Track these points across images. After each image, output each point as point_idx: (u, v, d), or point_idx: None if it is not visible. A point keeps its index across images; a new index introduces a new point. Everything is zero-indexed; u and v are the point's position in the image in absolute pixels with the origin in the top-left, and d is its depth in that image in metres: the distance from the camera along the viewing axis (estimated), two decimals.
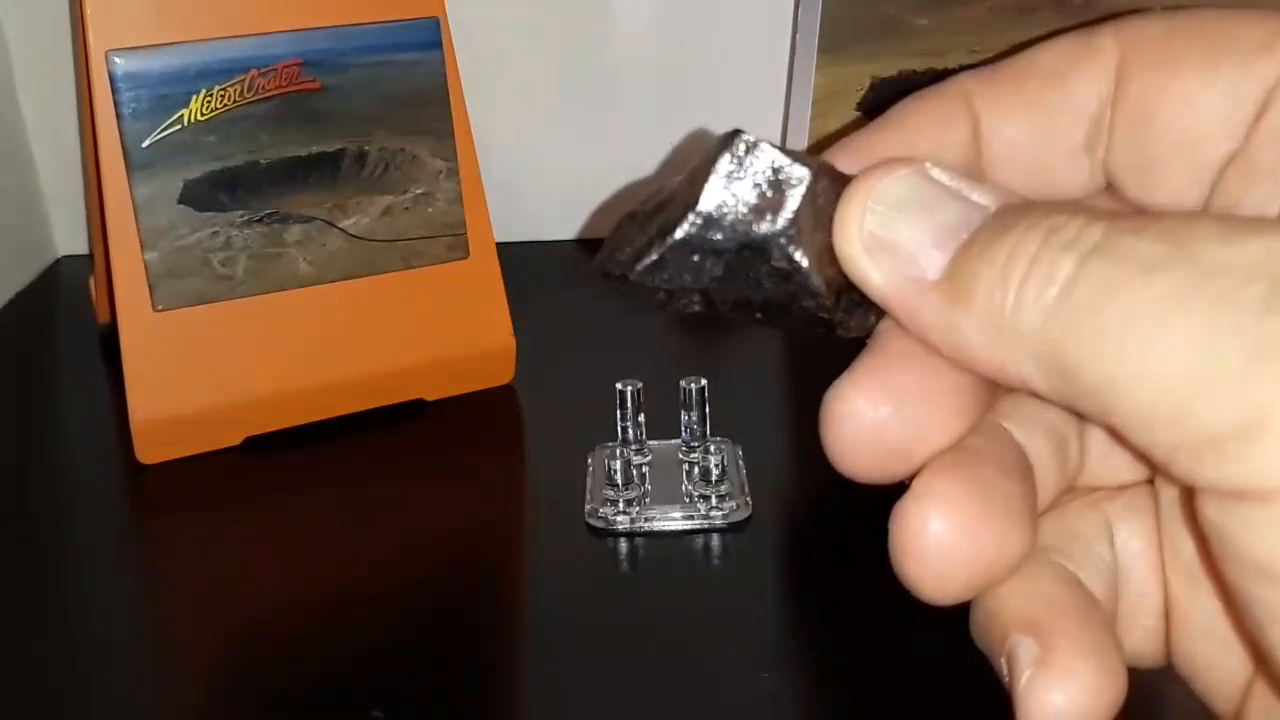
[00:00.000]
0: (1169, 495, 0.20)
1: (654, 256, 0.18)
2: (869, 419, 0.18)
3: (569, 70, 0.64)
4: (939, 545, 0.17)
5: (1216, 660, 0.20)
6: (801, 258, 0.18)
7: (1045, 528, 0.20)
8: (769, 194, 0.18)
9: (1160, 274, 0.15)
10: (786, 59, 0.62)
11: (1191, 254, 0.15)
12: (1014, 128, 0.20)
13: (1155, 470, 0.20)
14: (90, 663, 0.37)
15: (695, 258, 0.18)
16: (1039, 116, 0.20)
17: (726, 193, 0.18)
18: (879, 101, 0.57)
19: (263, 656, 0.37)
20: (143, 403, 0.45)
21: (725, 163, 0.18)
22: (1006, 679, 0.19)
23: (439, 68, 0.49)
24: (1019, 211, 0.17)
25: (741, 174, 0.18)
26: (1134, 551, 0.20)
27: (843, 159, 0.20)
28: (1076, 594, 0.19)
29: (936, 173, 0.18)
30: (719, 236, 0.18)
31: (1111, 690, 0.18)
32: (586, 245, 0.65)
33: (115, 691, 0.36)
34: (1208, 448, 0.15)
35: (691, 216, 0.18)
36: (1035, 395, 0.17)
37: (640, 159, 0.63)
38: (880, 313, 0.19)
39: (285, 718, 0.35)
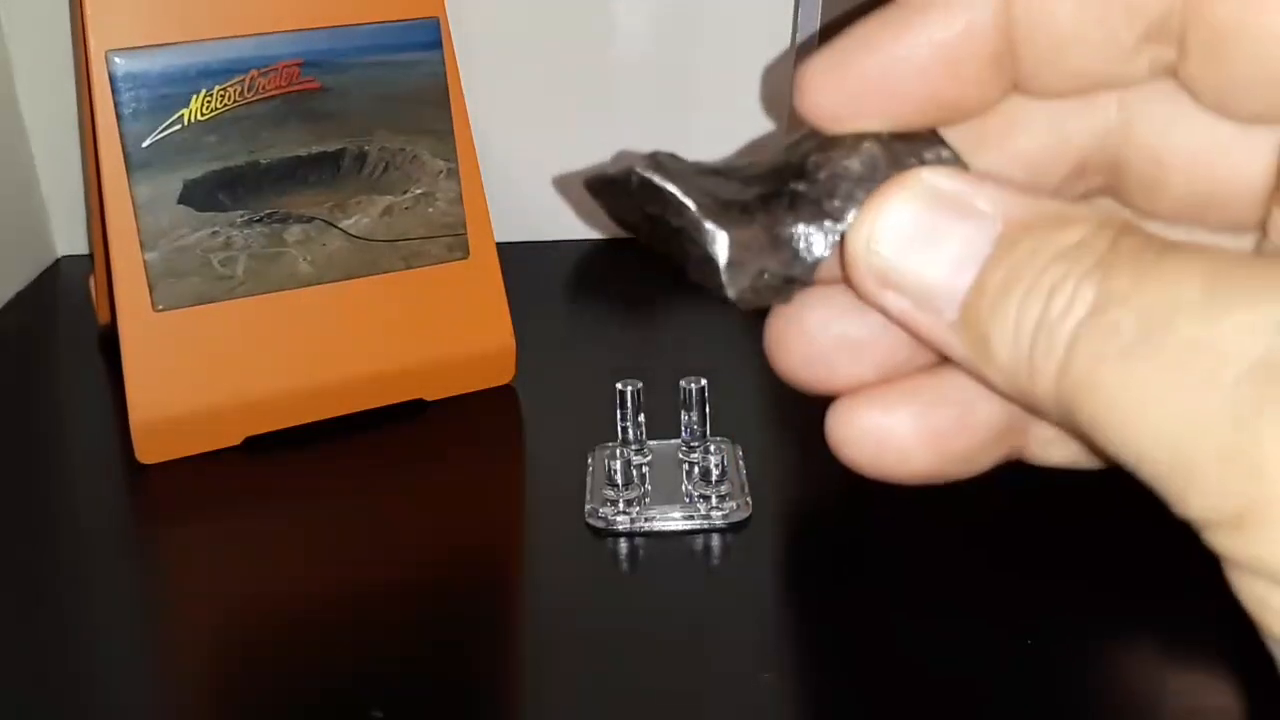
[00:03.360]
0: None
1: (612, 173, 0.19)
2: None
3: (569, 70, 0.64)
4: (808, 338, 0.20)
5: None
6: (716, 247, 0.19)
7: None
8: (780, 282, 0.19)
9: (1138, 360, 0.15)
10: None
11: (1169, 335, 0.15)
12: (1053, 37, 0.19)
13: None
14: (90, 662, 0.37)
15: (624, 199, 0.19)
16: (1086, 28, 0.19)
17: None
18: None
19: (263, 656, 0.37)
20: (143, 402, 0.45)
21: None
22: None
23: (439, 68, 0.49)
24: (1023, 249, 0.17)
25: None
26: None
27: (860, 49, 0.19)
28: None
29: (939, 181, 0.18)
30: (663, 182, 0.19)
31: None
32: (587, 245, 0.65)
33: (115, 691, 0.36)
34: (1205, 528, 0.15)
35: (649, 158, 0.19)
36: None
37: None
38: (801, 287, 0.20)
39: (285, 718, 0.35)
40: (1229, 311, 0.15)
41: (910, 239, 0.18)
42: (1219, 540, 0.15)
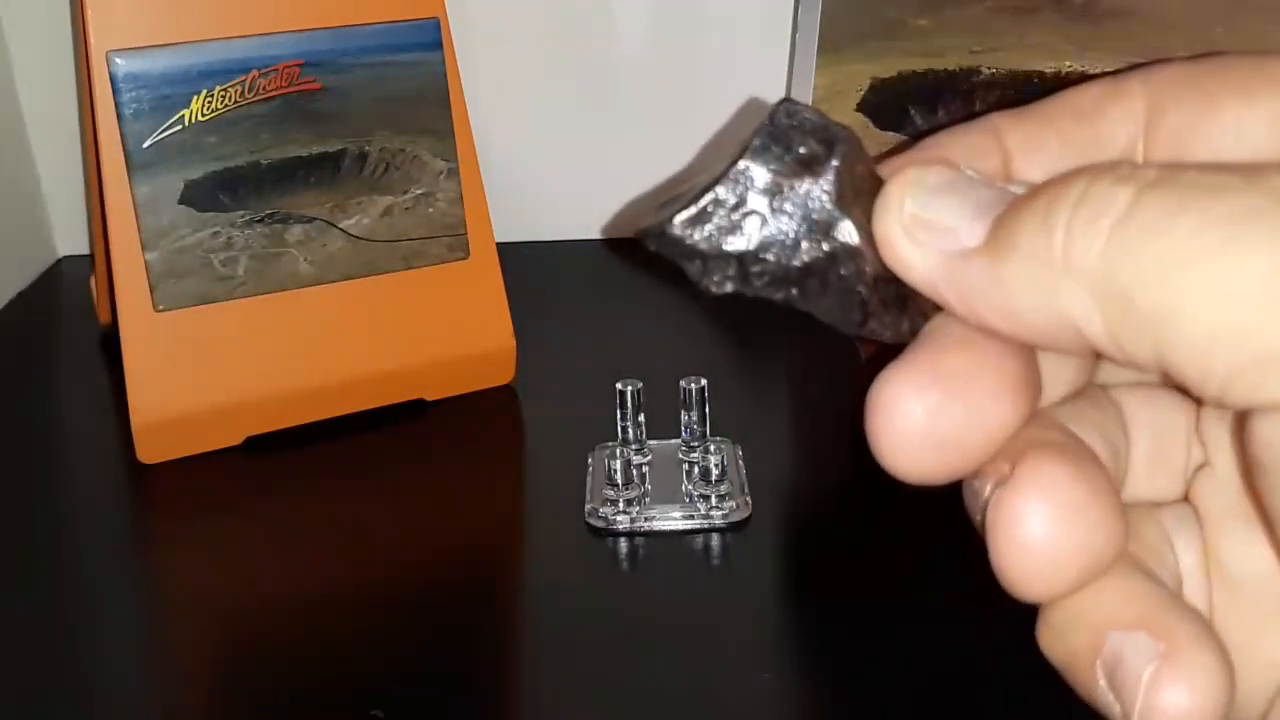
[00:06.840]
0: (1209, 507, 0.20)
1: (694, 210, 0.19)
2: (918, 408, 0.17)
3: (569, 70, 0.64)
4: (1046, 536, 0.17)
5: (1245, 678, 0.19)
6: (842, 210, 0.19)
7: None
8: (813, 149, 0.19)
9: (1231, 195, 0.15)
10: (786, 59, 0.62)
11: (1260, 183, 0.15)
12: (1044, 165, 0.21)
13: (1201, 404, 0.20)
14: (91, 662, 0.37)
15: (736, 215, 0.19)
16: (1069, 153, 0.21)
17: (771, 150, 0.19)
18: (879, 102, 0.57)
19: (263, 656, 0.37)
20: (144, 403, 0.45)
21: (770, 122, 0.19)
22: (1103, 683, 0.18)
23: (439, 68, 0.49)
24: (1060, 174, 0.17)
25: (787, 132, 0.19)
26: (1190, 564, 0.20)
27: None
28: (1170, 591, 0.18)
29: (972, 173, 0.19)
30: (761, 190, 0.19)
31: (1231, 684, 0.17)
32: (587, 245, 0.65)
33: (115, 691, 0.36)
34: (1275, 364, 0.14)
35: (739, 165, 0.18)
36: (1081, 352, 0.17)
37: (640, 159, 0.63)
38: (917, 319, 0.19)
39: (285, 718, 0.35)
40: None
41: (947, 186, 0.18)
42: (1270, 385, 0.15)
